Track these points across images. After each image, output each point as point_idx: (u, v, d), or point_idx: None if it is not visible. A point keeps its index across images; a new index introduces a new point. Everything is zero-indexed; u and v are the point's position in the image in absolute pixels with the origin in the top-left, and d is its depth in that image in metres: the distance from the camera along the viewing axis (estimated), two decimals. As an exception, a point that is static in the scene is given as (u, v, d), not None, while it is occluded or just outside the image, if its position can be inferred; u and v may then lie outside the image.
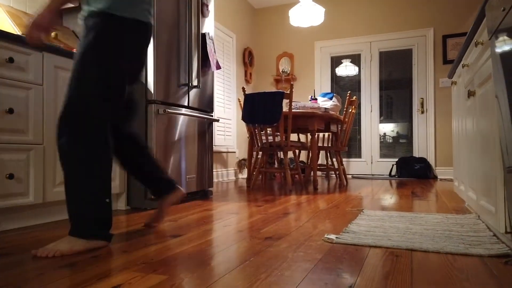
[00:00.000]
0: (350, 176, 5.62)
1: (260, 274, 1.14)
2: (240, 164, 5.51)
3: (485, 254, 1.33)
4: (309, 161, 4.93)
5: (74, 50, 2.29)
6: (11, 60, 1.79)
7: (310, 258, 1.32)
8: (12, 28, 2.25)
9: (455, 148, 2.78)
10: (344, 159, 5.72)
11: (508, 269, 1.19)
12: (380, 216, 2.11)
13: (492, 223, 1.54)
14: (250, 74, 6.09)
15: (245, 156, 5.62)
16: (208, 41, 3.15)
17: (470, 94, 1.77)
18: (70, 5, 2.64)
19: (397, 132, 5.58)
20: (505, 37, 1.12)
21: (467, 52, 1.98)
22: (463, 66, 2.05)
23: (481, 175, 1.71)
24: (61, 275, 1.14)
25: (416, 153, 5.38)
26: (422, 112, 5.36)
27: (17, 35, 1.84)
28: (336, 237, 1.59)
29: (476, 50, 1.69)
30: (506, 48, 1.11)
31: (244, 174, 5.62)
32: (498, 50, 1.20)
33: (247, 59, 5.95)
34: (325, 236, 1.62)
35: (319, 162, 5.82)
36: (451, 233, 1.67)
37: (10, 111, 1.78)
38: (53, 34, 2.40)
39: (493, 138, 1.44)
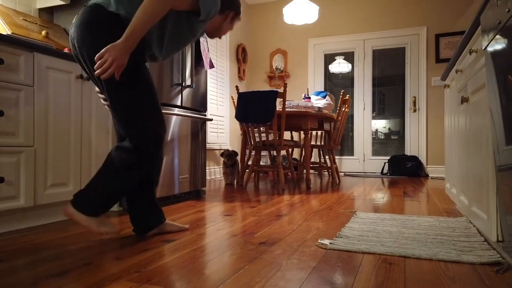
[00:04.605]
0: (343, 173, 5.65)
1: (255, 284, 1.14)
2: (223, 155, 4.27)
3: (476, 262, 1.35)
4: (301, 158, 4.94)
5: (66, 50, 2.25)
6: (1, 61, 1.75)
7: (304, 266, 1.32)
8: (2, 27, 2.20)
9: (447, 151, 2.81)
10: (336, 157, 5.74)
11: (499, 278, 1.20)
12: (372, 219, 2.13)
13: (483, 230, 1.56)
14: (243, 70, 6.07)
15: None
16: (201, 39, 3.12)
17: (464, 100, 1.78)
18: (61, 2, 2.58)
19: (389, 129, 5.61)
20: (500, 49, 1.12)
21: (460, 58, 1.99)
22: (456, 71, 2.06)
23: (473, 180, 1.73)
24: (54, 285, 1.13)
25: (408, 152, 5.42)
26: (415, 111, 5.40)
27: (7, 35, 1.80)
28: (330, 243, 1.60)
29: (470, 57, 1.70)
30: (501, 59, 1.12)
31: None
32: (493, 60, 1.21)
33: (241, 55, 5.92)
34: (319, 241, 1.63)
35: (312, 160, 5.84)
36: (443, 238, 1.69)
37: (0, 113, 1.75)
38: (43, 32, 2.35)
39: (486, 143, 1.45)
